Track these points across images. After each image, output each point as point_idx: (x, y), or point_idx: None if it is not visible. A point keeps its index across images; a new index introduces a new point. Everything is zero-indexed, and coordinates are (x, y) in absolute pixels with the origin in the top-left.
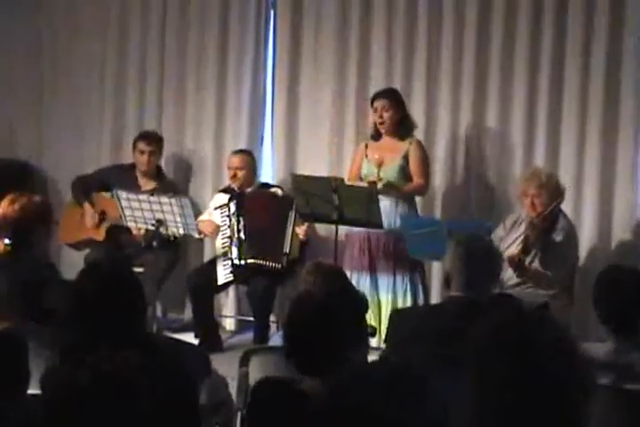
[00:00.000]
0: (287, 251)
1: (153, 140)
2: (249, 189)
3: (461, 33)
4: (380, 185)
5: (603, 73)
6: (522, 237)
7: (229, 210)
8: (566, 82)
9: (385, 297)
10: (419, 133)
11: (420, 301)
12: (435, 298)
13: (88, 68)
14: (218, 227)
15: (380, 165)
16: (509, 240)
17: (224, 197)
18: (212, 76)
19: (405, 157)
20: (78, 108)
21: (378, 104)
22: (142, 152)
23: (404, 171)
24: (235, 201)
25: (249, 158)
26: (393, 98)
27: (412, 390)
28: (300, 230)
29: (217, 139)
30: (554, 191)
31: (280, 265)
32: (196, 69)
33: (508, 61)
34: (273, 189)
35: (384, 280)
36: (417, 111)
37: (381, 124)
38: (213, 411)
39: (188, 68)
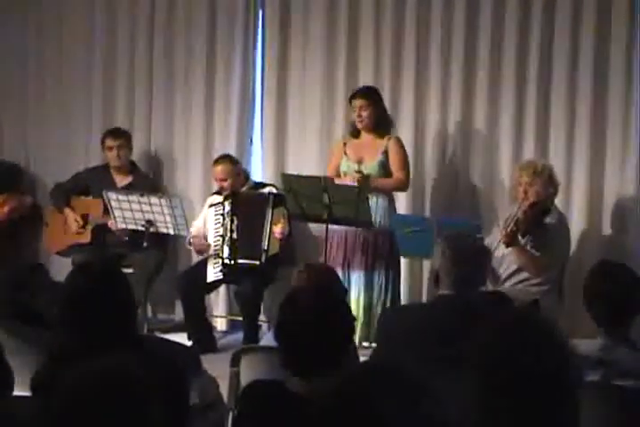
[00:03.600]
0: (266, 247)
1: (119, 135)
2: (243, 189)
3: (450, 30)
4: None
5: (591, 67)
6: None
7: (224, 208)
8: (554, 77)
9: (359, 294)
10: (407, 131)
11: (396, 297)
12: (423, 296)
13: (76, 69)
14: (209, 246)
15: (359, 162)
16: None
17: (218, 198)
18: (201, 77)
19: (385, 153)
20: (66, 110)
21: (356, 103)
22: (110, 148)
23: (385, 167)
24: (230, 200)
25: (231, 166)
26: (371, 97)
27: (412, 392)
28: (278, 229)
29: (206, 139)
30: (547, 181)
31: (259, 262)
32: (184, 70)
33: (497, 58)
34: (267, 189)
35: (360, 277)
36: (406, 110)
37: (360, 122)
38: (204, 411)
39: (177, 68)
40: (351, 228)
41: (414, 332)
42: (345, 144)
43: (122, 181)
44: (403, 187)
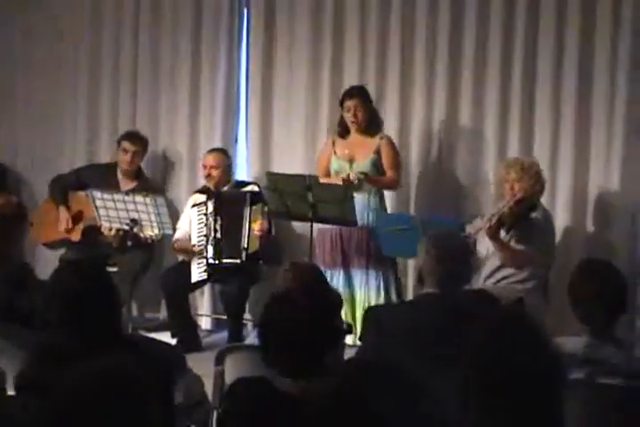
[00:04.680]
0: (245, 245)
1: (138, 140)
2: (225, 188)
3: (434, 30)
4: (352, 175)
5: (575, 65)
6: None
7: (207, 209)
8: (539, 76)
9: (359, 293)
10: (393, 131)
11: (394, 297)
12: (409, 294)
13: (61, 69)
14: (194, 252)
15: (351, 160)
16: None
17: (201, 198)
18: (186, 77)
19: (377, 152)
20: (52, 109)
21: (350, 104)
22: (126, 151)
23: (377, 166)
24: (213, 200)
25: (223, 157)
26: (364, 96)
27: (410, 391)
28: (256, 226)
29: (191, 138)
30: (534, 177)
31: (240, 260)
32: (169, 69)
33: (481, 58)
34: (249, 187)
35: (358, 276)
36: (391, 109)
37: (354, 122)
38: (189, 410)
39: (162, 67)
40: (345, 227)
41: (403, 330)
42: (334, 143)
43: (126, 185)
44: (395, 186)
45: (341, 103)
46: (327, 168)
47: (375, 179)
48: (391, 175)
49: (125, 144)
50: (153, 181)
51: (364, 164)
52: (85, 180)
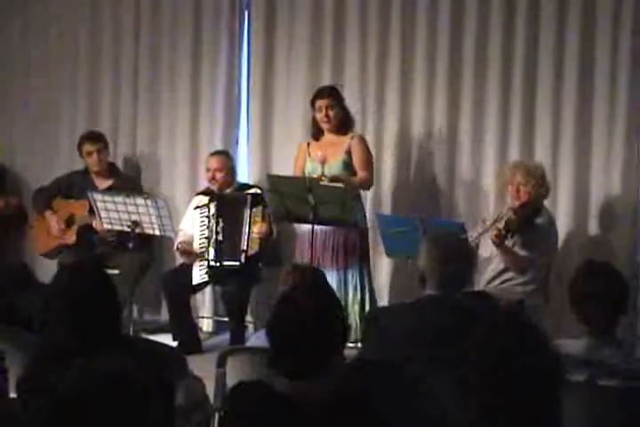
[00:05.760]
0: (244, 247)
1: (96, 139)
2: (228, 190)
3: (435, 30)
4: (325, 182)
5: (576, 66)
6: (503, 218)
7: (209, 211)
8: (540, 76)
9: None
10: (392, 131)
11: (367, 295)
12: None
13: (60, 68)
14: (197, 255)
15: (323, 162)
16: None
17: (203, 199)
18: (186, 77)
19: (348, 152)
20: (51, 109)
21: (322, 103)
22: (90, 153)
23: (349, 166)
24: (215, 202)
25: (227, 159)
26: (336, 96)
27: (411, 391)
28: (256, 228)
29: (192, 140)
30: (539, 181)
31: (238, 262)
32: (170, 70)
33: (482, 58)
34: (252, 190)
35: (333, 276)
36: (391, 110)
37: (327, 122)
38: (190, 412)
39: (162, 68)
40: (320, 227)
41: (404, 331)
42: (308, 145)
43: (102, 184)
44: (368, 186)
45: (312, 104)
46: (303, 171)
47: (348, 183)
48: (363, 176)
49: (86, 147)
50: (129, 176)
51: (335, 164)
52: (66, 187)
